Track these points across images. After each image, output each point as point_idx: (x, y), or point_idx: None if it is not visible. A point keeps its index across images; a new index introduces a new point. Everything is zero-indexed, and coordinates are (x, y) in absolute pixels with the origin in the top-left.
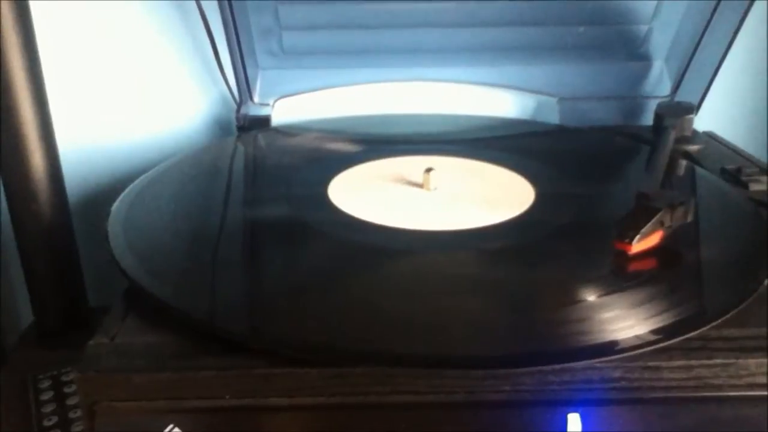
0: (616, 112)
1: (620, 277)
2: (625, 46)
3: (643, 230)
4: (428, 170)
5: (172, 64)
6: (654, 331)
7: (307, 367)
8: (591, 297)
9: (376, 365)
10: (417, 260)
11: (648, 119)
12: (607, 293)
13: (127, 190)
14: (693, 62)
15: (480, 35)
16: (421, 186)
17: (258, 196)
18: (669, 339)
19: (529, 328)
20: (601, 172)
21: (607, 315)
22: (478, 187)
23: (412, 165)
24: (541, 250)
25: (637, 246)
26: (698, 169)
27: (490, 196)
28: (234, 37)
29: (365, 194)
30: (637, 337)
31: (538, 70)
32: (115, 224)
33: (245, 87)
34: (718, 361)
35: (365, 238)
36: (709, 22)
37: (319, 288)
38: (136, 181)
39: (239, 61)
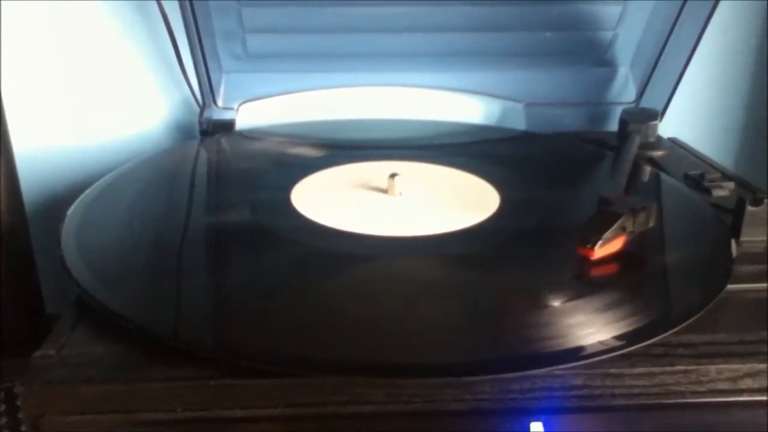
0: (581, 117)
1: (582, 283)
2: (591, 52)
3: (605, 235)
4: (393, 176)
5: (133, 67)
6: (617, 338)
7: (262, 378)
8: (553, 303)
9: (333, 374)
10: (378, 266)
11: (613, 125)
12: (570, 299)
13: (83, 195)
14: (657, 68)
15: (446, 40)
16: (385, 191)
17: (218, 202)
18: (631, 345)
19: (490, 335)
20: (566, 178)
21: (569, 321)
22: (443, 193)
23: (376, 170)
24: (504, 256)
25: (600, 251)
26: (662, 175)
27: (455, 202)
28: (196, 39)
29: (329, 200)
30: (600, 343)
31: (504, 75)
32: (68, 230)
33: (208, 90)
34: (681, 367)
35: (326, 243)
36: (672, 28)
37: (275, 296)
38: (93, 186)
39: (202, 64)
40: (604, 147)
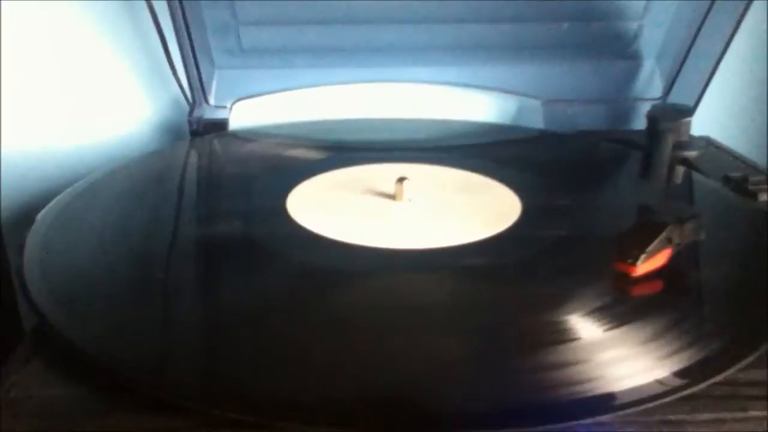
0: (603, 115)
1: (625, 306)
2: (614, 45)
3: (649, 249)
4: (401, 180)
5: (117, 62)
6: (675, 375)
7: (247, 429)
8: (592, 333)
9: (326, 427)
10: (384, 286)
11: (638, 123)
12: (611, 326)
13: (54, 201)
14: (687, 62)
15: (457, 32)
16: (393, 197)
17: (206, 211)
18: (694, 385)
19: (518, 377)
20: (593, 182)
21: (611, 355)
22: (457, 199)
23: (382, 174)
24: (529, 274)
25: (642, 267)
26: (699, 178)
27: (470, 209)
28: (185, 32)
29: (330, 207)
30: (657, 383)
31: (520, 70)
32: (33, 241)
33: (199, 87)
34: (755, 413)
35: (325, 258)
36: (704, 19)
37: (266, 333)
38: (65, 192)
39: (192, 59)
40: (632, 147)
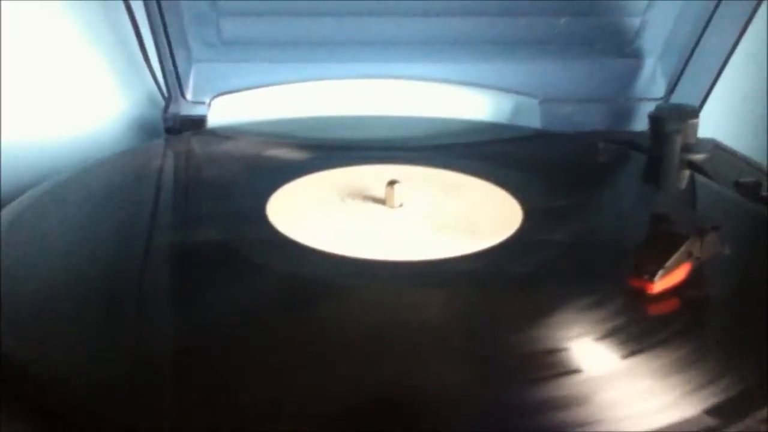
0: (602, 115)
1: (641, 329)
2: (615, 42)
3: (668, 263)
4: (392, 183)
5: (88, 53)
6: (708, 413)
7: None
8: (608, 361)
9: None
10: (373, 301)
11: (637, 124)
12: (628, 353)
13: (9, 207)
14: (692, 61)
15: (451, 26)
16: (383, 202)
17: (178, 217)
18: (729, 425)
19: (513, 412)
20: (598, 187)
21: (628, 389)
22: (453, 204)
23: (371, 176)
24: (534, 290)
25: (661, 283)
26: (708, 183)
27: (468, 216)
28: (160, 22)
29: (314, 213)
30: (686, 422)
31: (516, 67)
32: None
33: (175, 82)
34: None
35: (308, 271)
36: (711, 15)
37: (245, 361)
38: (22, 197)
39: (167, 51)
40: (635, 149)
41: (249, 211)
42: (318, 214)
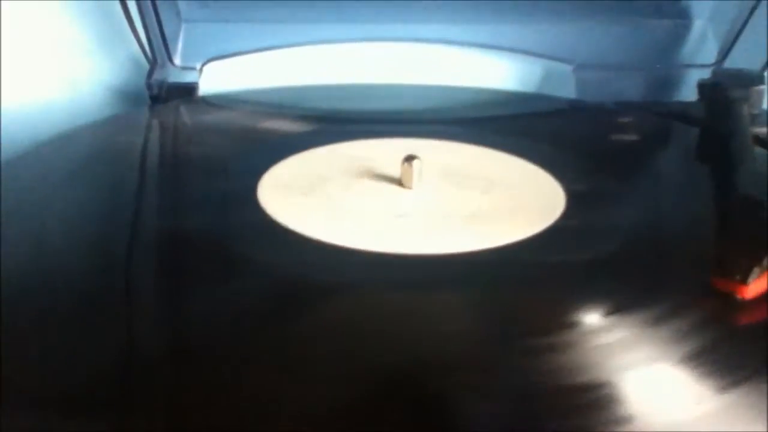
0: (645, 83)
1: (732, 345)
2: (659, 1)
3: (766, 261)
4: (409, 159)
5: (66, 13)
6: None
7: None
8: (686, 379)
9: None
10: (385, 303)
11: (684, 93)
12: (721, 387)
13: None
14: (750, 21)
15: None
16: (398, 182)
17: (160, 198)
18: None
19: None
20: (653, 166)
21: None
22: (482, 185)
23: (383, 151)
24: (585, 290)
25: (755, 286)
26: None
27: (500, 199)
28: None
29: (314, 195)
30: None
31: (547, 28)
32: None
33: (161, 44)
34: None
35: (307, 268)
36: None
37: (226, 360)
38: None
39: (151, 10)
40: (687, 122)
41: (238, 193)
42: (320, 197)
